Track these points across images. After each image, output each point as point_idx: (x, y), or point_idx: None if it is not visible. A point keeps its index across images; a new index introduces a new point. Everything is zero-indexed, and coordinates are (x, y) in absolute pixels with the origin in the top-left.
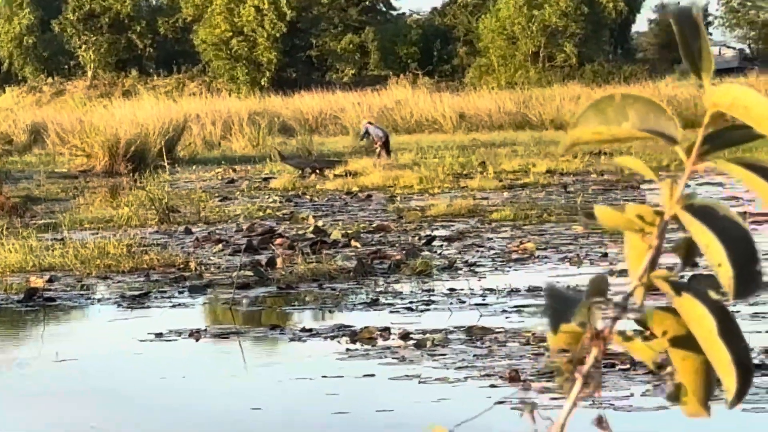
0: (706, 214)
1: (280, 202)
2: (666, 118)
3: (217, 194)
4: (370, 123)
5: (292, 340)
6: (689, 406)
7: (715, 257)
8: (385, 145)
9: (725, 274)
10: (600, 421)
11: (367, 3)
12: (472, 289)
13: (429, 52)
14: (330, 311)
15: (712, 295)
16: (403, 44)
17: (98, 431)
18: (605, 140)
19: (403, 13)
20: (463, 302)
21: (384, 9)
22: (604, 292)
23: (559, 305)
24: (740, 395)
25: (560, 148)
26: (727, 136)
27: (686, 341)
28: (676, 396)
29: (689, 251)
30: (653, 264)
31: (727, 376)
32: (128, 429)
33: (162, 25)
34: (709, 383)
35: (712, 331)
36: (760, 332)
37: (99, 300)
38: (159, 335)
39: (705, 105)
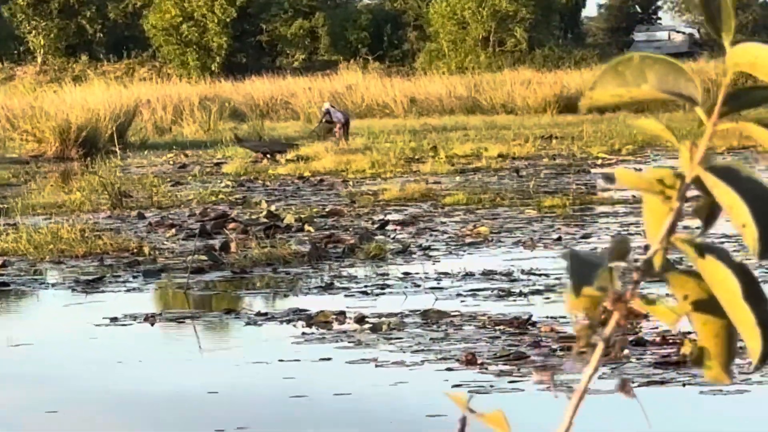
0: (730, 175)
1: (233, 186)
2: (686, 80)
3: (169, 179)
4: (332, 106)
5: (247, 324)
6: (712, 370)
7: (739, 218)
8: (345, 127)
9: (750, 235)
10: (623, 386)
11: None
12: (427, 273)
13: (379, 37)
14: (285, 295)
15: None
16: (354, 29)
17: (54, 416)
18: (625, 102)
19: None
20: (418, 286)
21: None
22: (626, 255)
23: (581, 268)
24: (765, 357)
25: (580, 108)
26: (748, 96)
27: (707, 305)
28: (699, 360)
29: (710, 214)
30: (673, 228)
31: (752, 338)
32: (84, 413)
33: (112, 10)
34: (730, 348)
35: (736, 294)
36: None
37: (53, 284)
38: (114, 320)
39: (726, 65)
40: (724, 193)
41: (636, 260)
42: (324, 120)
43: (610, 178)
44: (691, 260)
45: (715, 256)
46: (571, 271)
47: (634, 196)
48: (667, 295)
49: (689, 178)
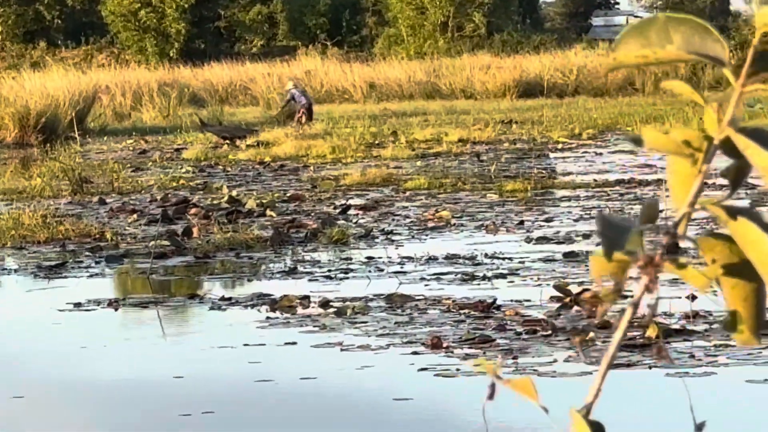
0: (762, 136)
1: (193, 172)
2: (713, 40)
3: (129, 165)
4: (295, 87)
5: (211, 308)
6: (743, 335)
7: None
8: (308, 112)
9: None
10: (659, 351)
11: None
12: (390, 258)
13: (338, 23)
14: (248, 280)
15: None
16: (312, 15)
17: (20, 401)
18: (649, 63)
19: None
20: (382, 270)
21: None
22: (656, 219)
23: (611, 232)
24: None
25: (602, 70)
26: None
27: (736, 268)
28: (732, 324)
29: (738, 176)
30: (700, 190)
31: None
32: (50, 398)
33: None
34: (759, 311)
35: None
36: (680, 298)
37: (15, 270)
38: (77, 305)
39: (756, 24)
40: (757, 154)
41: (665, 224)
42: (287, 103)
43: (637, 141)
44: (721, 223)
45: (747, 217)
46: (601, 234)
47: (595, 180)
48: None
49: (718, 139)
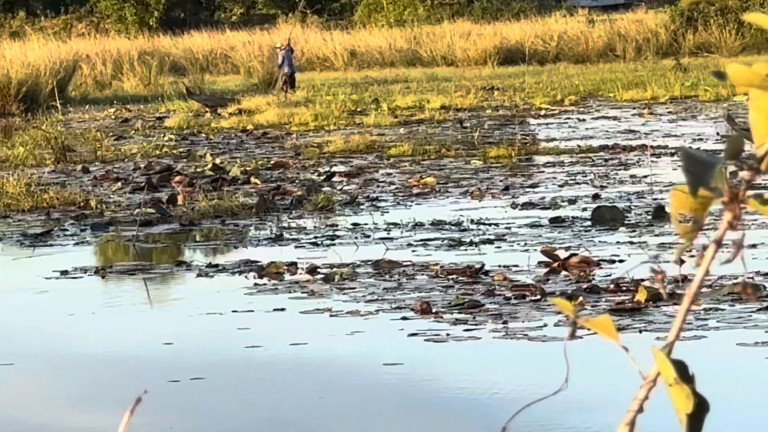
0: None
1: (176, 140)
2: None
3: (111, 133)
4: (290, 48)
5: (198, 276)
6: None
7: None
8: (291, 79)
9: None
10: (745, 288)
11: None
12: (376, 224)
13: None
14: (235, 247)
15: None
16: None
17: (10, 368)
18: None
19: None
20: (368, 236)
21: None
22: (740, 154)
23: (696, 168)
24: None
25: (683, 2)
26: None
27: None
28: None
29: None
30: None
31: None
32: (40, 366)
33: None
34: None
35: None
36: (668, 262)
37: (0, 239)
38: (64, 273)
39: None
40: None
41: (748, 159)
42: (281, 66)
43: (722, 75)
44: None
45: None
46: (686, 171)
47: (579, 146)
48: None
49: None
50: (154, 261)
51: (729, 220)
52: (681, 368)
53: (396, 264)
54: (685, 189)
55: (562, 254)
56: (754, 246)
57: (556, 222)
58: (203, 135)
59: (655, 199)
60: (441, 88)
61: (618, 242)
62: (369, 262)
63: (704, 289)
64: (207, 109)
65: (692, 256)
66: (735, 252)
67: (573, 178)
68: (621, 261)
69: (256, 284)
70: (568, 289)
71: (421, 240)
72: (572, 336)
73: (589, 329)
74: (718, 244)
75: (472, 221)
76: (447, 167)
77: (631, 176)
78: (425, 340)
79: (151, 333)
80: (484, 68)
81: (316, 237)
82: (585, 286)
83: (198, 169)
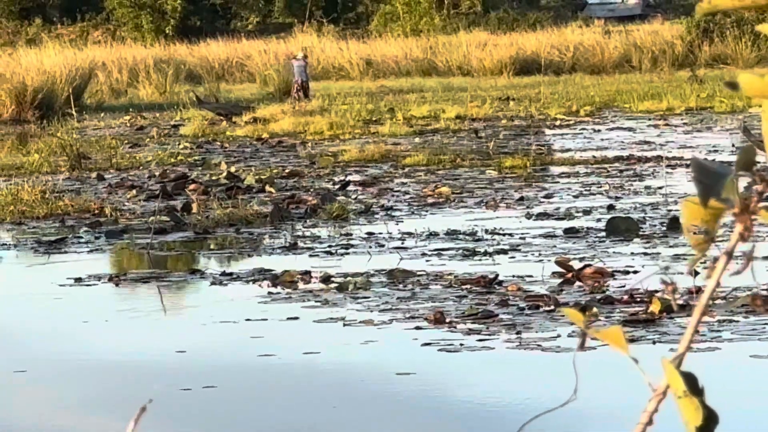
0: None
1: (191, 148)
2: None
3: (126, 141)
4: (304, 57)
5: (212, 284)
6: None
7: None
8: (304, 89)
9: None
10: (755, 299)
11: None
12: (391, 233)
13: (333, 0)
14: (249, 255)
15: None
16: None
17: (23, 375)
18: (746, 6)
19: None
20: (382, 246)
21: None
22: (752, 166)
23: (707, 179)
24: None
25: (697, 14)
26: None
27: None
28: None
29: None
30: None
31: None
32: (52, 373)
33: None
34: None
35: None
36: (682, 273)
37: (15, 246)
38: (78, 280)
39: None
40: None
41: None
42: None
43: (734, 85)
44: None
45: None
46: (697, 181)
47: (594, 157)
48: None
49: None
50: (168, 269)
51: (740, 232)
52: (691, 380)
53: (410, 273)
54: (697, 200)
55: (577, 265)
56: (766, 258)
57: (571, 233)
58: (218, 143)
59: (670, 211)
60: (456, 98)
61: (632, 253)
62: (383, 272)
63: (718, 301)
64: (221, 117)
65: (706, 267)
66: (745, 264)
67: (588, 188)
68: (635, 272)
69: (269, 293)
70: (582, 300)
71: (435, 250)
72: (582, 347)
73: (601, 340)
74: (729, 255)
75: (486, 231)
76: (462, 177)
77: (646, 187)
78: (439, 349)
79: (164, 341)
80: (499, 78)
81: (330, 246)
82: (599, 297)
83: (213, 178)
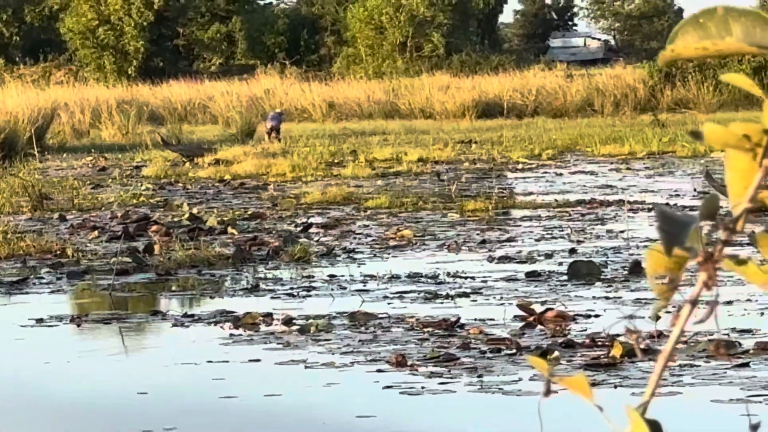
0: None
1: (153, 189)
2: None
3: (89, 182)
4: (275, 115)
5: (174, 325)
6: None
7: None
8: (274, 130)
9: None
10: (717, 348)
11: None
12: (353, 276)
13: (296, 42)
14: (211, 297)
15: None
16: (271, 33)
17: None
18: (709, 55)
19: (270, 3)
20: (344, 288)
21: None
22: (715, 214)
23: (671, 228)
24: None
25: (660, 62)
26: None
27: None
28: None
29: None
30: (759, 185)
31: None
32: (13, 414)
33: (28, 13)
34: None
35: None
36: (643, 318)
37: None
38: (40, 321)
39: None
40: None
41: (723, 219)
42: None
43: (698, 135)
44: None
45: None
46: (661, 230)
47: (556, 200)
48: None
49: None
50: (129, 310)
51: (704, 280)
52: (655, 428)
53: (372, 316)
54: (661, 248)
55: (538, 308)
56: (730, 303)
57: (533, 276)
58: (180, 184)
59: (632, 255)
60: (419, 141)
61: (594, 297)
62: (345, 314)
63: (680, 345)
64: (184, 159)
65: (669, 312)
66: (709, 312)
67: (550, 232)
68: (597, 316)
69: (231, 335)
70: (544, 343)
71: (397, 292)
72: (547, 394)
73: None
74: (693, 304)
75: (448, 274)
76: (424, 220)
77: (608, 231)
78: (400, 392)
79: (125, 382)
80: (462, 121)
81: (292, 288)
82: (560, 340)
83: (175, 219)
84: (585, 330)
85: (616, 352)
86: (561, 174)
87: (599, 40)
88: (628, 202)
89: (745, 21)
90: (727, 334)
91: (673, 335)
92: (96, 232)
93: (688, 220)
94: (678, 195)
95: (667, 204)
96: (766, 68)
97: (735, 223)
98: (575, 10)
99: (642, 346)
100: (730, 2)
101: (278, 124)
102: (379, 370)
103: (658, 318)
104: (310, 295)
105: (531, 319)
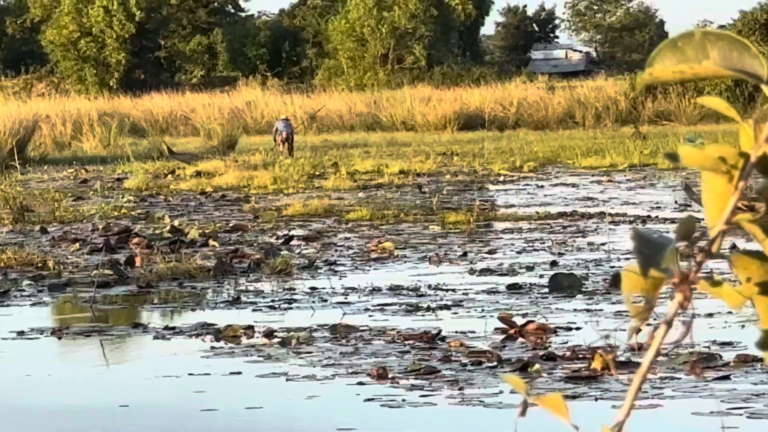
0: None
1: (135, 201)
2: (750, 56)
3: (70, 194)
4: (286, 119)
5: (155, 338)
6: None
7: None
8: (288, 139)
9: None
10: (692, 367)
11: (215, 4)
12: (334, 288)
13: (278, 54)
14: (192, 309)
15: None
16: (252, 45)
17: None
18: (686, 79)
19: (252, 15)
20: (326, 301)
21: (233, 10)
22: (691, 236)
23: (648, 249)
24: None
25: (638, 85)
26: None
27: None
28: (764, 345)
29: None
30: (735, 207)
31: None
32: None
33: (10, 25)
34: None
35: None
36: (624, 330)
37: None
38: (21, 333)
39: None
40: None
41: (699, 241)
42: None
43: (674, 157)
44: (758, 241)
45: None
46: (637, 251)
47: (537, 212)
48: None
49: (755, 156)
50: (111, 322)
51: (679, 302)
52: None
53: (353, 329)
54: (637, 269)
55: (519, 321)
56: (710, 315)
57: (514, 288)
58: (162, 197)
59: (613, 267)
60: (400, 153)
61: (575, 309)
62: (326, 327)
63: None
64: (185, 165)
65: (650, 324)
66: (684, 333)
67: (531, 244)
68: (578, 328)
69: (212, 347)
70: (525, 356)
71: (379, 305)
72: (523, 413)
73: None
74: (669, 324)
75: (429, 287)
76: (405, 232)
77: (589, 243)
78: (381, 405)
79: (106, 395)
80: (443, 133)
81: (273, 300)
82: (541, 353)
83: (156, 231)
84: (566, 342)
85: (597, 364)
86: (542, 186)
87: (581, 52)
88: (609, 215)
89: (722, 45)
90: (708, 347)
91: (648, 356)
92: (77, 245)
93: (664, 242)
94: (659, 207)
95: (648, 216)
96: (747, 82)
97: (711, 245)
98: (557, 22)
99: (617, 364)
100: (714, 11)
101: (292, 132)
102: (360, 383)
103: (638, 331)
104: (291, 308)
105: (512, 331)
